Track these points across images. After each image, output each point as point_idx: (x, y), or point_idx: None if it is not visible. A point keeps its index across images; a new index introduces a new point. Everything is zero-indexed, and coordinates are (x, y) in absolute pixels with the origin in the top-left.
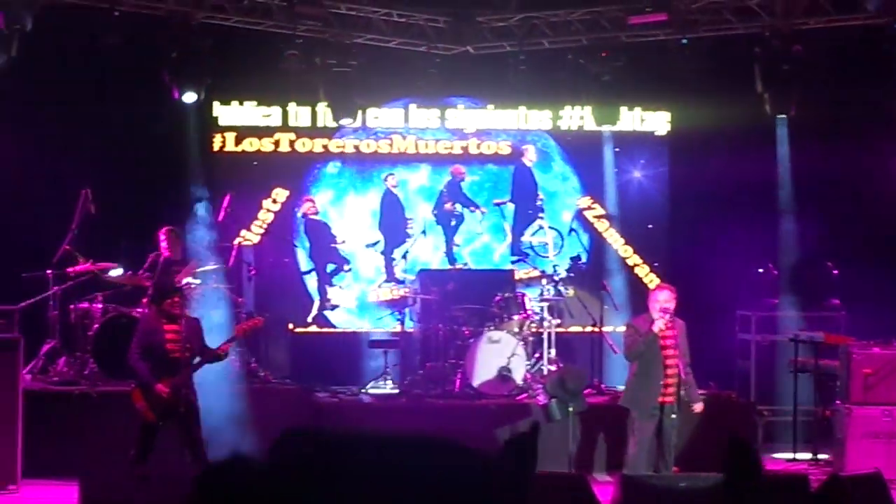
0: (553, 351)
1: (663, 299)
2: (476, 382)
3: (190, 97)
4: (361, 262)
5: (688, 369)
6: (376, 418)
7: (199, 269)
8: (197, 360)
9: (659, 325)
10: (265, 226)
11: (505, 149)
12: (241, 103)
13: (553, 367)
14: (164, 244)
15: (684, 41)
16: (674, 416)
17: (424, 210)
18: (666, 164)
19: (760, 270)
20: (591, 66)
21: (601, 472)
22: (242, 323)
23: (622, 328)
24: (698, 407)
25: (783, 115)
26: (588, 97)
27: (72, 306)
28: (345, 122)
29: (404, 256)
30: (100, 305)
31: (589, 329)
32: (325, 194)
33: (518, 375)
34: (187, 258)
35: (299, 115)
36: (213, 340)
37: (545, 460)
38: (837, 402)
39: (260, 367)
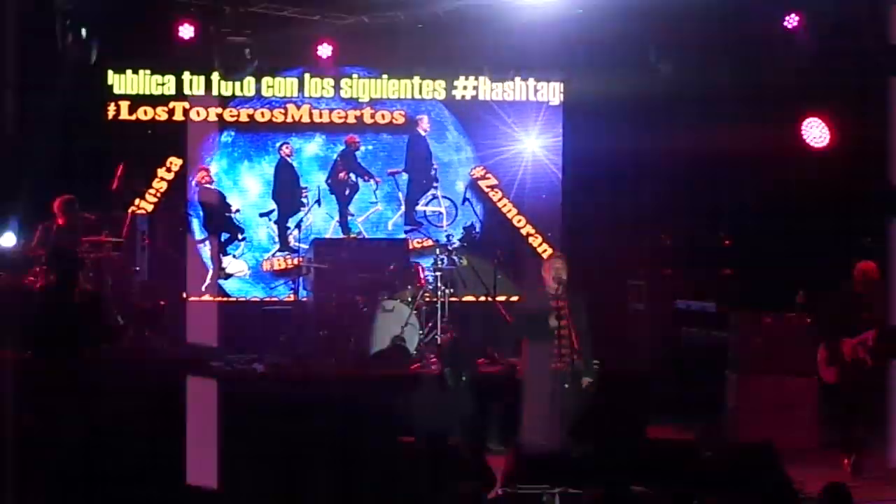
0: (446, 320)
1: (556, 268)
2: (370, 351)
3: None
4: (255, 231)
5: (585, 340)
6: (270, 388)
7: (91, 239)
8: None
9: (550, 294)
10: (159, 195)
11: (399, 118)
12: (135, 72)
13: (446, 336)
14: (59, 214)
15: (579, 11)
16: (566, 385)
17: (318, 179)
18: (560, 135)
19: (653, 240)
20: (486, 36)
21: (495, 442)
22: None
23: (515, 297)
24: (586, 381)
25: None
26: (482, 67)
27: None
28: (238, 91)
29: (298, 226)
30: None
31: (482, 298)
32: (220, 163)
33: (411, 344)
34: (77, 228)
35: (194, 83)
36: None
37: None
38: (728, 371)
39: (154, 336)
